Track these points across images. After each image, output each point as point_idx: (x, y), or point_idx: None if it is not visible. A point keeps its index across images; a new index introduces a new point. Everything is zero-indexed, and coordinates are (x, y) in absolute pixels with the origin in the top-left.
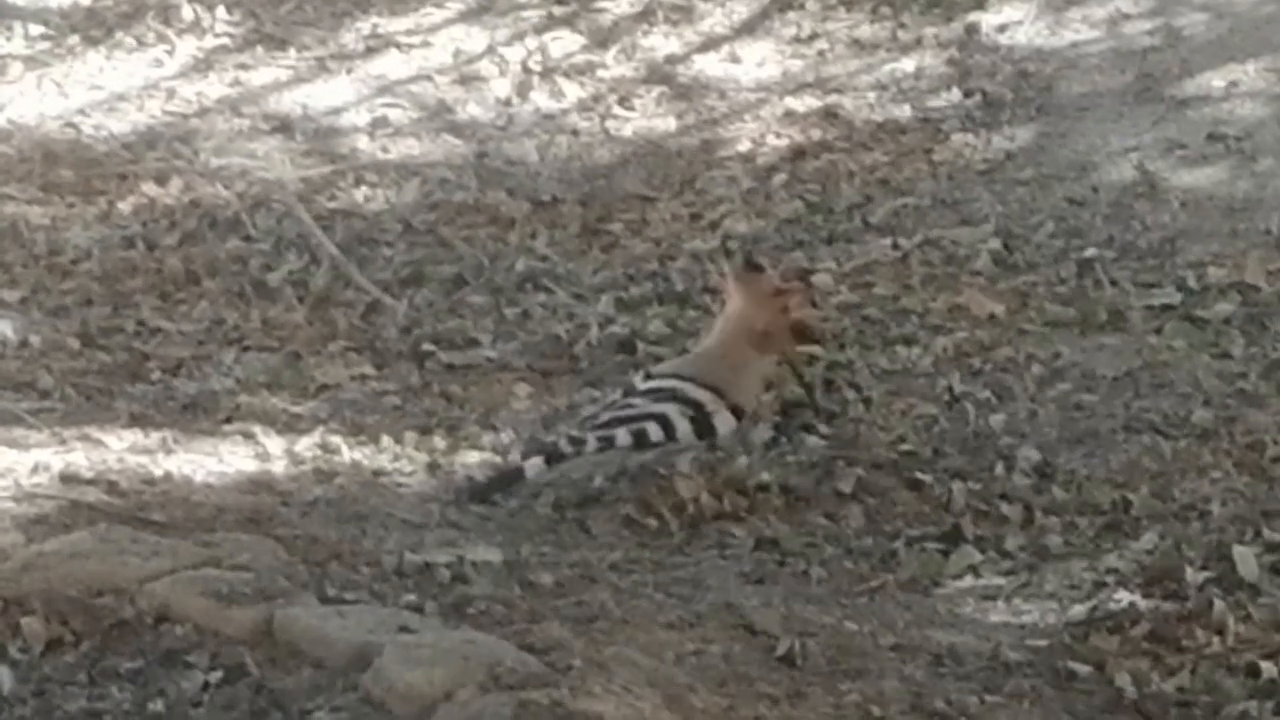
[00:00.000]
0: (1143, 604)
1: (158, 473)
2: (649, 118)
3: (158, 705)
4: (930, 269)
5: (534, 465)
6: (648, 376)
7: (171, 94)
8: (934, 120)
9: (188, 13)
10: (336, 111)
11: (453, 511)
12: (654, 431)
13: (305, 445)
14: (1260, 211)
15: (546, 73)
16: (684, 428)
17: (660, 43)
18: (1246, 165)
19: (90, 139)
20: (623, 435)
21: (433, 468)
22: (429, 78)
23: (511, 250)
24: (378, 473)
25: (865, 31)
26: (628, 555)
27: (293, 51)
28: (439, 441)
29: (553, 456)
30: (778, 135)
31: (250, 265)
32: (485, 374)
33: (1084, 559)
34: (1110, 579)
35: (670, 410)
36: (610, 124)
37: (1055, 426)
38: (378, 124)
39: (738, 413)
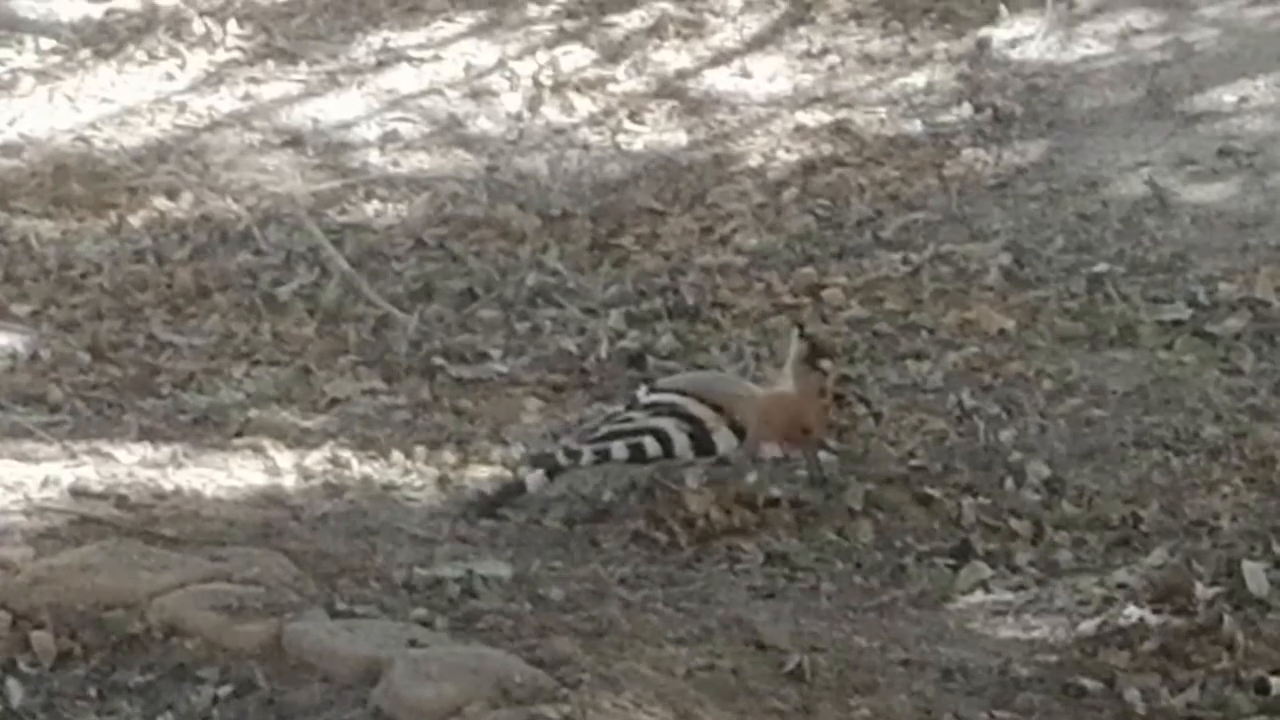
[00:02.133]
0: (1152, 619)
1: (168, 487)
2: (660, 132)
3: (167, 719)
4: (941, 284)
5: (534, 478)
6: (652, 390)
7: (182, 108)
8: (945, 135)
9: (199, 27)
10: (347, 125)
11: (462, 526)
12: (651, 446)
13: (315, 459)
14: (1271, 227)
15: (557, 87)
16: (682, 443)
17: (671, 57)
18: (1257, 180)
19: (101, 153)
20: (619, 448)
21: (443, 482)
22: (440, 92)
23: (522, 265)
24: (388, 487)
25: (876, 46)
26: (637, 570)
27: (304, 65)
28: (449, 456)
29: (550, 469)
30: (788, 150)
31: (261, 279)
32: (495, 388)
33: (1094, 574)
34: (1120, 594)
35: (668, 425)
36: (621, 138)
37: (1065, 442)
38: (388, 138)
39: (739, 431)
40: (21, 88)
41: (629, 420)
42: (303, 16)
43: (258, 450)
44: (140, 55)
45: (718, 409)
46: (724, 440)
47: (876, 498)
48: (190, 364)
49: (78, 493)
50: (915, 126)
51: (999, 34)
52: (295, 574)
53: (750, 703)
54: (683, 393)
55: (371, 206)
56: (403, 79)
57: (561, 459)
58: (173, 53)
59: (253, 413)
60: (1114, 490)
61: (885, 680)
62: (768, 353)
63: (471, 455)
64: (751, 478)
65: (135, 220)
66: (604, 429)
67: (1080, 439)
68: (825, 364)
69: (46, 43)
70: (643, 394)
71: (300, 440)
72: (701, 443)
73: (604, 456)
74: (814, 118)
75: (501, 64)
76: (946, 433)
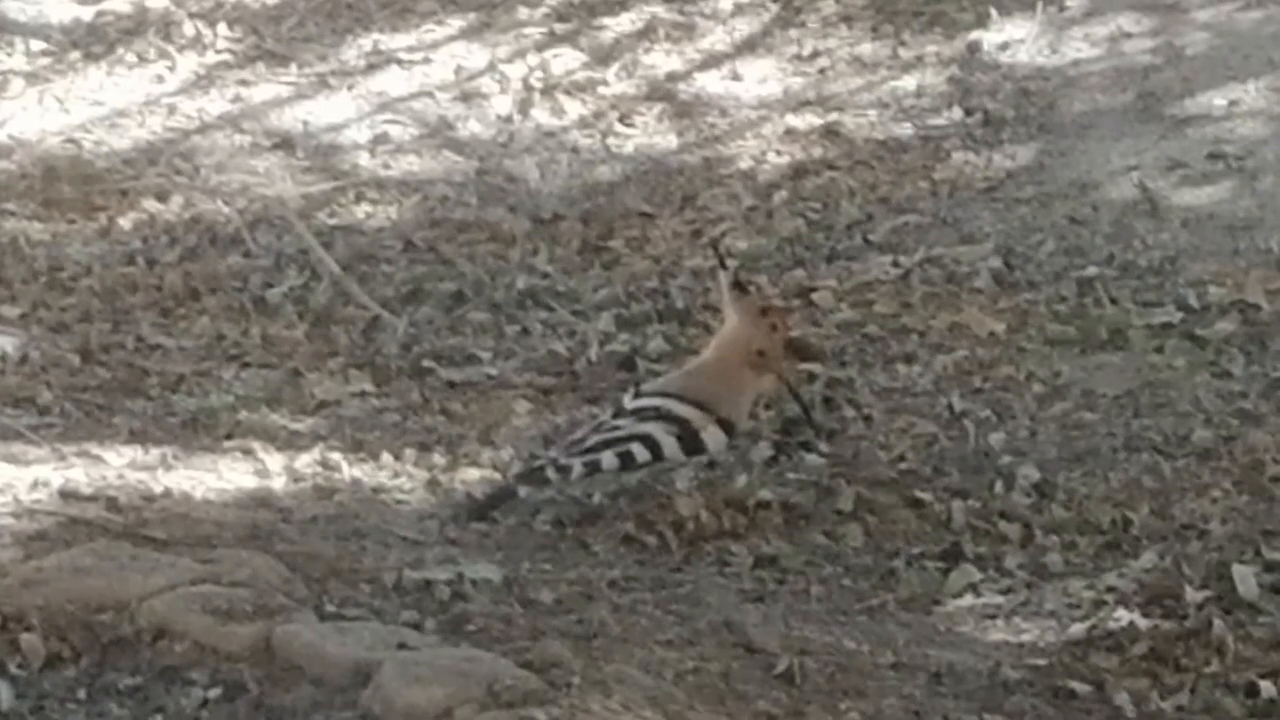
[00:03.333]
0: (1142, 623)
1: (157, 489)
2: (650, 135)
3: None
4: (931, 287)
5: (527, 490)
6: (637, 394)
7: (172, 110)
8: (935, 138)
9: (189, 29)
10: (337, 128)
11: (452, 529)
12: (640, 452)
13: (305, 462)
14: (1261, 230)
15: (548, 90)
16: (670, 446)
17: (661, 60)
18: (1247, 184)
19: (91, 155)
20: (608, 458)
21: (432, 485)
22: (430, 94)
23: (512, 267)
24: (377, 490)
25: (866, 49)
26: (627, 573)
27: (294, 68)
28: (439, 458)
29: (540, 485)
30: (779, 153)
31: (250, 282)
32: (485, 391)
33: (1083, 578)
34: (1110, 598)
35: (655, 429)
36: (611, 141)
37: (1055, 445)
38: (378, 140)
39: (727, 427)
40: (11, 90)
41: (616, 428)
42: (293, 19)
43: (247, 453)
44: (130, 57)
45: (702, 407)
46: (713, 439)
47: (866, 501)
48: (180, 366)
49: (67, 495)
50: (905, 130)
51: (989, 37)
52: (285, 576)
53: (739, 705)
54: (666, 394)
55: (361, 209)
56: (393, 81)
57: (551, 474)
58: (163, 55)
59: (242, 415)
60: (1104, 493)
61: (875, 683)
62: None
63: (461, 458)
64: (742, 480)
65: (125, 222)
66: (592, 439)
67: (1070, 442)
68: (755, 285)
69: (36, 45)
70: (628, 399)
71: (290, 443)
72: (690, 443)
73: (594, 468)
74: (804, 121)
75: (492, 67)
76: (936, 436)
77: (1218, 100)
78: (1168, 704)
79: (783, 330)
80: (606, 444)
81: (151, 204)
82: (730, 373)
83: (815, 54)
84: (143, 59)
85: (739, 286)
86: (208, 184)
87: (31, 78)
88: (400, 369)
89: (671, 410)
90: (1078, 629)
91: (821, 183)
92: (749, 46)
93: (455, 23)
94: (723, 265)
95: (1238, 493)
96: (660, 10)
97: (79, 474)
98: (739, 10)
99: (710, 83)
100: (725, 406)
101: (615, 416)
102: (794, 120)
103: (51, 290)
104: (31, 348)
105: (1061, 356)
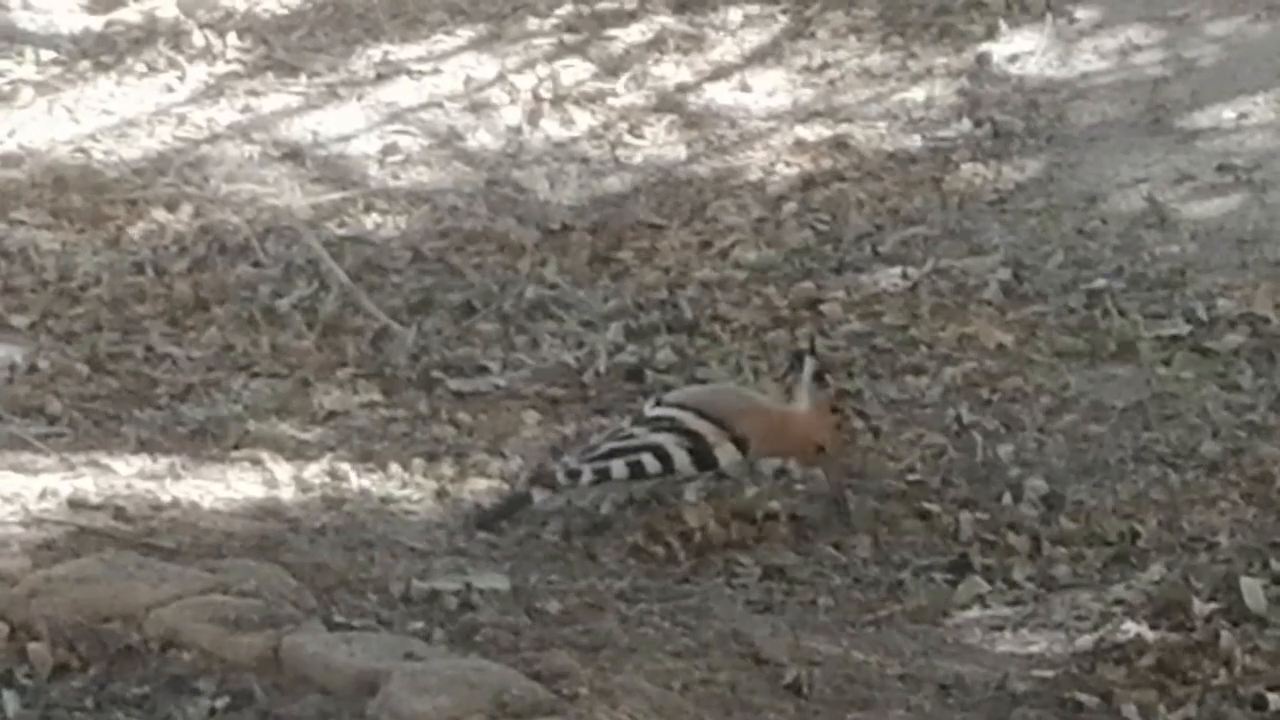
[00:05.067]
0: (1150, 635)
1: (165, 498)
2: (659, 146)
3: None
4: (939, 299)
5: (540, 493)
6: (658, 403)
7: (182, 120)
8: (944, 150)
9: (199, 39)
10: (347, 138)
11: (460, 539)
12: (650, 463)
13: (313, 472)
14: (1270, 243)
15: (557, 100)
16: (682, 458)
17: (671, 71)
18: (1257, 197)
19: (100, 164)
20: (619, 467)
21: (441, 495)
22: (439, 105)
23: (521, 278)
24: (386, 500)
25: (876, 61)
26: (635, 583)
27: (303, 78)
28: (447, 469)
29: (551, 488)
30: (788, 164)
31: (260, 292)
32: (494, 401)
33: (1091, 590)
34: (1117, 610)
35: (666, 441)
36: (620, 152)
37: (1063, 457)
38: (388, 151)
39: (741, 445)
40: (21, 99)
41: (630, 437)
42: (302, 29)
43: (256, 462)
44: (140, 67)
45: (719, 424)
46: (726, 455)
47: (875, 512)
48: (189, 376)
49: (75, 504)
50: (914, 141)
51: (999, 49)
52: (293, 586)
53: (747, 717)
54: (684, 407)
55: (371, 219)
56: (402, 92)
57: (562, 478)
58: (172, 65)
59: (251, 425)
60: (1112, 506)
61: (882, 695)
62: (766, 367)
63: (470, 468)
64: (750, 492)
65: (134, 232)
66: (605, 446)
67: (1078, 454)
68: (832, 383)
69: (46, 54)
70: (648, 408)
71: (298, 452)
72: (702, 458)
73: (604, 475)
74: (813, 132)
75: (501, 77)
76: (945, 447)
77: (1227, 113)
78: (1175, 716)
79: (845, 434)
80: (618, 452)
81: (161, 214)
82: (777, 429)
83: (824, 65)
84: (152, 69)
85: (820, 379)
86: (217, 194)
87: (41, 87)
88: (409, 379)
89: (685, 423)
90: (1085, 641)
91: (830, 194)
92: (758, 58)
93: (465, 33)
94: (812, 352)
95: (1246, 505)
96: (670, 21)
97: (87, 483)
98: (748, 22)
99: (719, 94)
100: (743, 424)
101: (634, 424)
102: (803, 131)
103: (60, 299)
104: (40, 357)
105: (1070, 368)
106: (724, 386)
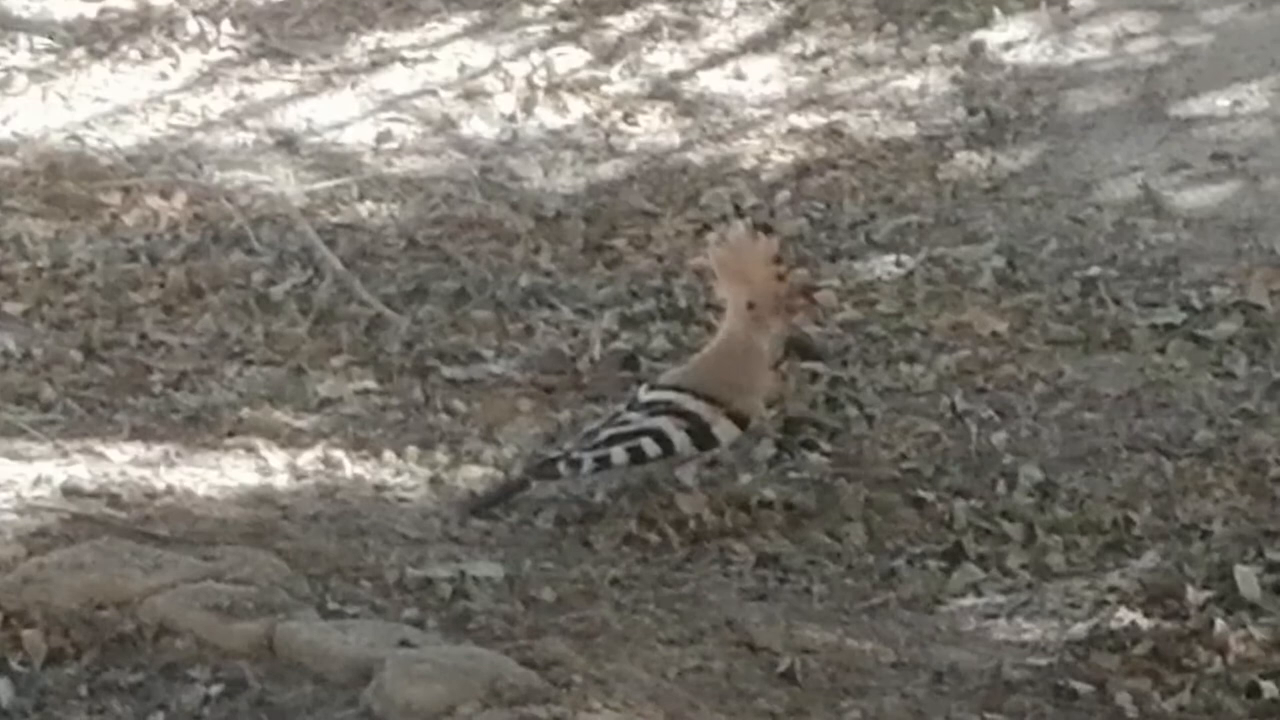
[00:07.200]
0: (1144, 623)
1: (159, 486)
2: (653, 134)
3: (158, 719)
4: (934, 287)
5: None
6: (651, 388)
7: (176, 107)
8: (938, 138)
9: (193, 26)
10: (341, 126)
11: (454, 526)
12: (650, 447)
13: (307, 459)
14: (1264, 231)
15: (551, 88)
16: (681, 440)
17: (665, 59)
18: (1251, 185)
19: (94, 152)
20: (619, 453)
21: (435, 483)
22: (434, 93)
23: (515, 265)
24: (380, 487)
25: (870, 49)
26: (629, 571)
27: (297, 66)
28: (441, 456)
29: (552, 479)
30: (782, 152)
31: (253, 279)
32: (488, 389)
33: (1085, 578)
34: (1111, 598)
35: (665, 424)
36: (615, 140)
37: (1057, 445)
38: (382, 138)
39: (740, 420)
40: (15, 86)
41: (626, 422)
42: (296, 16)
43: (250, 450)
44: (134, 54)
45: (713, 401)
46: (725, 432)
47: (869, 500)
48: (183, 363)
49: (70, 491)
50: (909, 129)
51: (993, 37)
52: (287, 574)
53: (741, 704)
54: (678, 388)
55: (365, 207)
56: (396, 79)
57: (563, 469)
58: (166, 52)
59: (245, 412)
60: (1106, 493)
61: (876, 682)
62: None
63: (464, 456)
64: (745, 479)
65: (128, 219)
66: (604, 433)
67: (1072, 442)
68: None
69: (40, 41)
70: (642, 392)
71: (292, 440)
72: (701, 438)
73: (604, 463)
74: (808, 120)
75: (495, 65)
76: (939, 435)
77: (1221, 101)
78: (1169, 704)
79: (783, 279)
80: (617, 439)
81: (155, 201)
82: (736, 348)
83: (819, 53)
84: (146, 56)
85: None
86: (211, 181)
87: (35, 74)
88: (403, 367)
89: (682, 405)
90: (1079, 629)
91: (824, 182)
92: (753, 46)
93: (459, 21)
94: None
95: (1240, 493)
96: (664, 9)
97: (81, 471)
98: (743, 9)
99: (714, 82)
100: (737, 398)
101: (629, 409)
102: (797, 119)
103: (54, 287)
104: (34, 344)
105: (1064, 356)
106: (697, 358)
